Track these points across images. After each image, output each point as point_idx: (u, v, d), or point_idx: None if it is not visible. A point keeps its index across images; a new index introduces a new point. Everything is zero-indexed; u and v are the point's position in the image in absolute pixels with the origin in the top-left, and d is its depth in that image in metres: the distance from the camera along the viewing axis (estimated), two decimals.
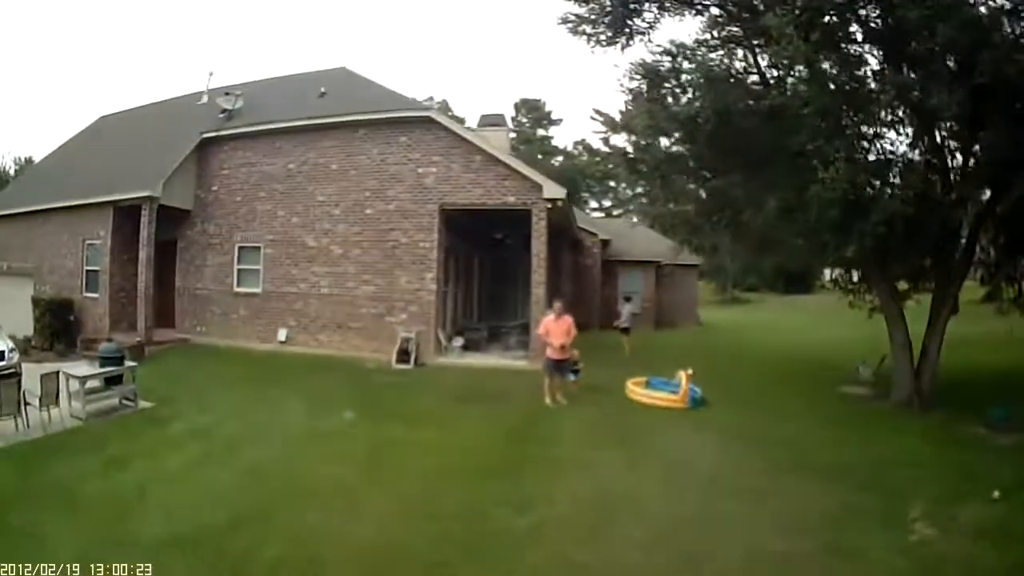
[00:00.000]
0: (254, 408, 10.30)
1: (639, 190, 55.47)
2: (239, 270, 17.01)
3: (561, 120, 72.41)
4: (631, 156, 13.67)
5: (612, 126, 56.60)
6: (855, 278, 14.10)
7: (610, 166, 54.47)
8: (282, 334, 16.19)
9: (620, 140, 54.51)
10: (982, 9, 9.28)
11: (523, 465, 7.69)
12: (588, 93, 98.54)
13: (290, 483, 6.98)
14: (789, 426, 9.84)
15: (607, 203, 58.45)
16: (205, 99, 19.92)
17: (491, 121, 21.66)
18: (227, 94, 18.54)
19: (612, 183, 57.60)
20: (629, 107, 49.34)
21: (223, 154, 17.38)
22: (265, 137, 16.90)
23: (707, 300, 34.98)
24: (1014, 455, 8.44)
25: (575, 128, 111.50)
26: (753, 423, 9.96)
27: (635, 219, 49.95)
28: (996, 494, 6.76)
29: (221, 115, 18.08)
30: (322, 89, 18.02)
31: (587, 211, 51.02)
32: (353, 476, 7.19)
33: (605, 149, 57.15)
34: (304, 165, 16.41)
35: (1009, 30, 9.17)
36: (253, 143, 17.03)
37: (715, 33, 11.81)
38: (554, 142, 59.13)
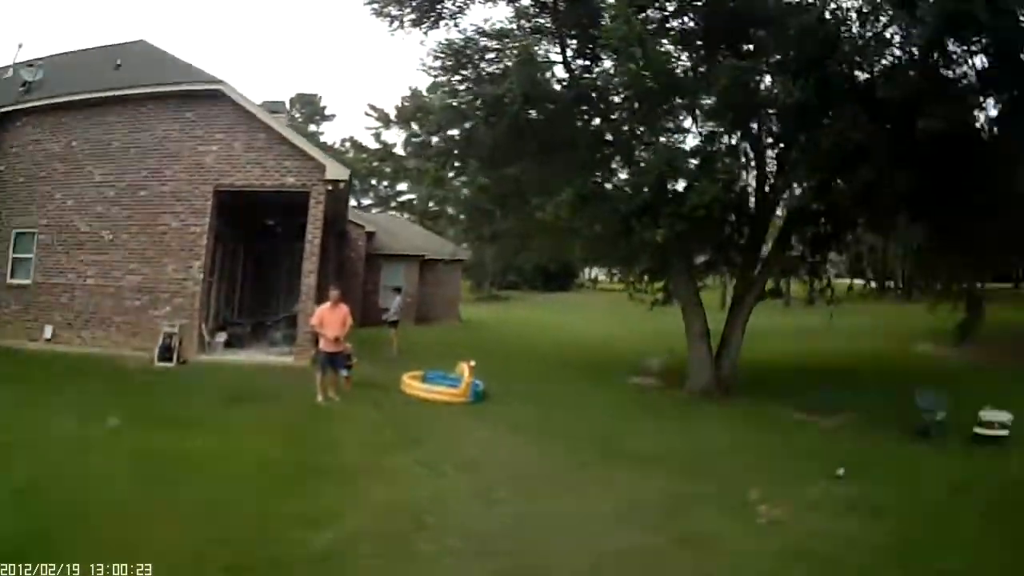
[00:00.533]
0: None
1: (403, 187, 57.17)
2: (14, 259, 14.96)
3: (334, 116, 73.37)
4: (422, 139, 13.40)
5: (386, 121, 57.95)
6: (636, 271, 14.18)
7: (375, 163, 56.30)
8: (48, 331, 14.36)
9: (393, 136, 57.16)
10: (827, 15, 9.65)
11: (309, 473, 6.90)
12: (360, 91, 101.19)
13: (45, 510, 5.51)
14: (587, 417, 9.78)
15: (367, 201, 57.75)
16: (10, 73, 17.21)
17: (271, 108, 20.59)
18: (30, 66, 16.33)
19: (374, 181, 58.31)
20: (407, 101, 49.64)
21: (15, 131, 15.30)
22: (53, 112, 15.03)
23: (464, 297, 34.58)
24: (844, 435, 8.74)
25: (345, 125, 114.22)
26: (547, 416, 9.80)
27: (396, 214, 49.92)
28: (840, 471, 6.80)
29: (21, 88, 15.81)
30: (118, 61, 16.19)
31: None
32: (120, 496, 5.98)
33: (375, 145, 58.42)
34: (87, 143, 14.72)
35: (855, 31, 9.60)
36: (42, 119, 15.14)
37: (523, 23, 11.90)
38: (323, 138, 57.94)
